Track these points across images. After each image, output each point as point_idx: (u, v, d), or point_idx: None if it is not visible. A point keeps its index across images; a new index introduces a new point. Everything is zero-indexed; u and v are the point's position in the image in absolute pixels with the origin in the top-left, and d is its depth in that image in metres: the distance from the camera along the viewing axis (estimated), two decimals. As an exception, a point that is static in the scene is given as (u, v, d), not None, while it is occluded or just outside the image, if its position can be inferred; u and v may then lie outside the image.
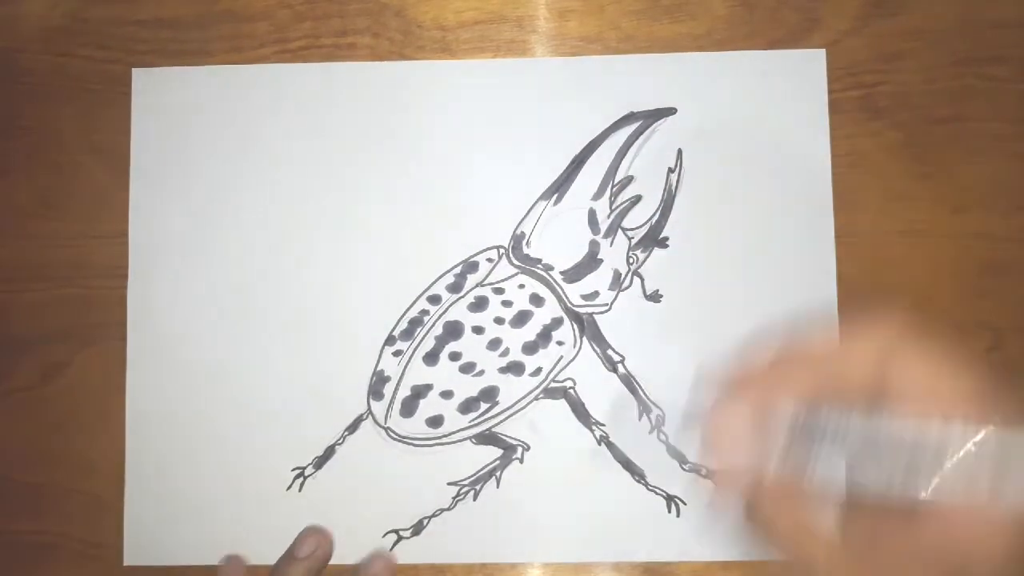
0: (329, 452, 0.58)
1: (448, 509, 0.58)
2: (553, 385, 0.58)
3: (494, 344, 0.58)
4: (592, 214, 0.59)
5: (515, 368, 0.58)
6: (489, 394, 0.58)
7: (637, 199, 0.59)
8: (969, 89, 0.60)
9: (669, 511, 0.57)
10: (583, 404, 0.58)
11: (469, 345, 0.59)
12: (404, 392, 0.58)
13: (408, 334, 0.59)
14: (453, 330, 0.59)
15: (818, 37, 0.60)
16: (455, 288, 0.59)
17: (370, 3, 0.61)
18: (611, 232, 0.59)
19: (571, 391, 0.58)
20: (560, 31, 0.61)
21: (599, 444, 0.58)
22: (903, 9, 0.60)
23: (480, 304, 0.59)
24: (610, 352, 0.58)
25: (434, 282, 0.59)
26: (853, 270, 0.58)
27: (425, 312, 0.59)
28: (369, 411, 0.59)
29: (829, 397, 0.37)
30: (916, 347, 0.35)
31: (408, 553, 0.58)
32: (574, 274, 0.59)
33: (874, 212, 0.59)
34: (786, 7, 0.60)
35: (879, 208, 0.59)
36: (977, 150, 0.59)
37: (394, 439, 0.58)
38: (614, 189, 0.59)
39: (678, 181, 0.59)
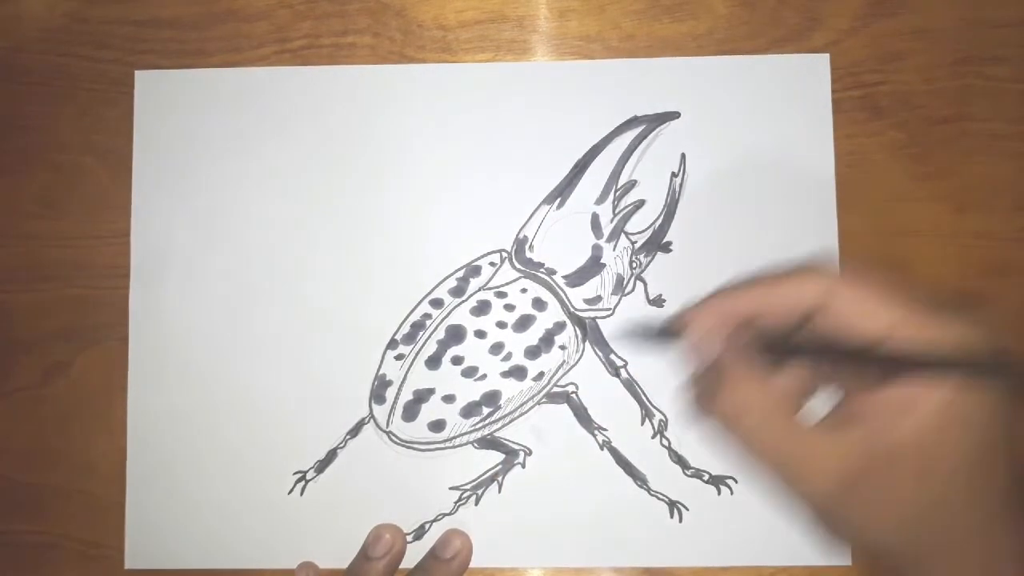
0: (331, 456, 0.58)
1: (450, 513, 0.58)
2: (555, 390, 0.58)
3: (496, 348, 0.58)
4: (595, 218, 0.59)
5: (517, 372, 0.58)
6: (491, 398, 0.58)
7: (640, 203, 0.59)
8: (970, 89, 0.60)
9: (671, 516, 0.57)
10: (585, 409, 0.58)
11: (471, 349, 0.59)
12: (406, 396, 0.58)
13: (410, 338, 0.59)
14: (455, 334, 0.59)
15: (819, 37, 0.60)
16: (457, 292, 0.59)
17: (370, 3, 0.61)
18: (614, 236, 0.59)
19: (573, 396, 0.58)
20: (560, 31, 0.61)
21: (601, 449, 0.58)
22: (903, 9, 0.60)
23: (482, 308, 0.59)
24: (613, 357, 0.58)
25: (436, 286, 0.59)
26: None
27: (427, 316, 0.59)
28: (371, 415, 0.59)
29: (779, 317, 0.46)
30: (854, 283, 0.44)
31: (410, 557, 0.58)
32: (577, 278, 0.59)
33: (875, 212, 0.59)
34: (787, 7, 0.60)
35: (880, 208, 0.59)
36: (978, 150, 0.59)
37: (396, 443, 0.58)
38: (617, 193, 0.59)
39: (681, 185, 0.59)
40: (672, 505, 0.57)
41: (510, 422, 0.58)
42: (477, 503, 0.58)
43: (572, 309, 0.59)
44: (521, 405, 0.58)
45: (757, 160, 0.59)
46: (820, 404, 0.47)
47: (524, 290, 0.59)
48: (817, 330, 0.45)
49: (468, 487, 0.58)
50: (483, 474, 0.58)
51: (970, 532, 0.43)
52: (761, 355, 0.46)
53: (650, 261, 0.59)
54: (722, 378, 0.46)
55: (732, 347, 0.46)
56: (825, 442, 0.43)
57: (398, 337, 0.59)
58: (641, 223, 0.59)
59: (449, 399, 0.58)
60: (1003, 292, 0.58)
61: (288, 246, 0.60)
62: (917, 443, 0.42)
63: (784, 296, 0.45)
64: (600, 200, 0.59)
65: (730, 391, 0.45)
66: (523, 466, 0.58)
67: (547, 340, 0.58)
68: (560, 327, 0.58)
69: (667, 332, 0.52)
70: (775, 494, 0.45)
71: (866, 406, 0.43)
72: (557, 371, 0.58)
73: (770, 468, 0.45)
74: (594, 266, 0.59)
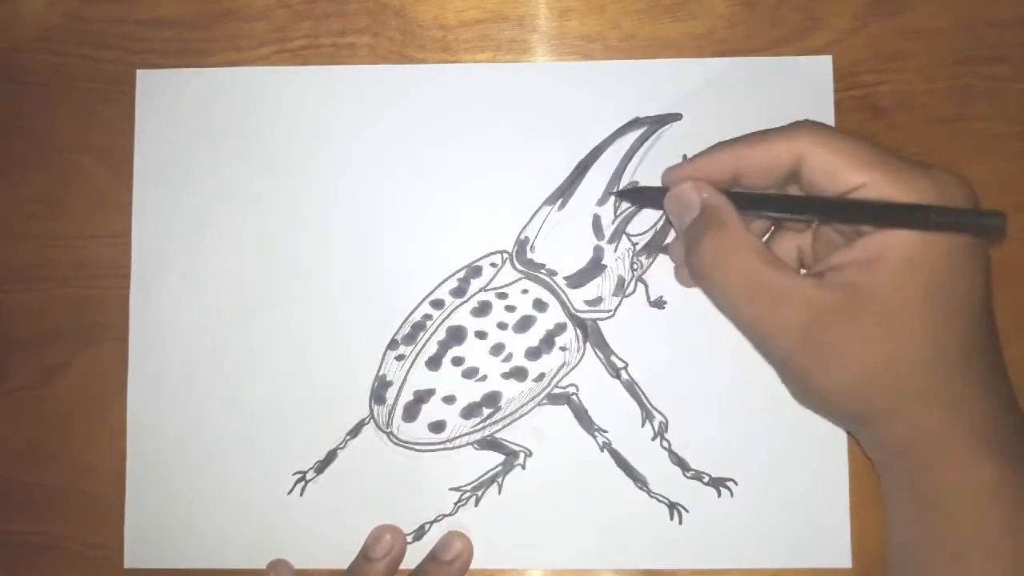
0: (331, 456, 0.58)
1: (450, 515, 0.58)
2: (556, 391, 0.58)
3: (497, 349, 0.58)
4: (596, 220, 0.59)
5: (518, 373, 0.58)
6: (492, 399, 0.58)
7: (641, 205, 0.59)
8: (970, 89, 0.60)
9: (671, 518, 0.57)
10: (586, 410, 0.58)
11: (472, 350, 0.58)
12: (406, 397, 0.58)
13: (411, 338, 0.59)
14: (456, 335, 0.59)
15: (819, 37, 0.60)
16: (458, 293, 0.59)
17: (370, 2, 0.61)
18: (615, 238, 0.59)
19: (574, 397, 0.58)
20: (561, 30, 0.61)
21: (601, 451, 0.57)
22: (904, 9, 0.60)
23: (483, 309, 0.59)
24: (613, 358, 0.58)
25: (437, 286, 0.59)
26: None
27: (428, 316, 0.59)
28: (371, 415, 0.59)
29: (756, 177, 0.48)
30: (826, 143, 0.46)
31: (410, 558, 0.58)
32: (578, 280, 0.58)
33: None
34: (787, 7, 0.60)
35: (879, 208, 0.59)
36: (978, 150, 0.59)
37: (396, 444, 0.58)
38: (618, 194, 0.59)
39: (683, 187, 0.59)
40: (672, 507, 0.57)
41: (510, 423, 0.58)
42: (477, 504, 0.58)
43: (573, 310, 0.58)
44: (522, 406, 0.58)
45: (758, 161, 0.59)
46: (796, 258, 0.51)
47: (525, 291, 0.59)
48: (795, 187, 0.48)
49: (468, 488, 0.58)
50: (483, 475, 0.58)
51: (928, 393, 0.44)
52: (741, 209, 0.48)
53: (651, 263, 0.59)
54: (704, 228, 0.48)
55: (714, 200, 0.48)
56: (796, 288, 0.45)
57: (398, 337, 0.59)
58: (642, 225, 0.59)
59: (449, 400, 0.58)
60: (1003, 292, 0.58)
61: (288, 246, 0.60)
62: (882, 292, 0.44)
63: (763, 154, 0.47)
64: (602, 201, 0.59)
65: (711, 239, 0.47)
66: (523, 467, 0.58)
67: (548, 341, 0.58)
68: (561, 328, 0.58)
69: (652, 190, 0.54)
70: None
71: (837, 257, 0.46)
72: (558, 372, 0.58)
73: (744, 316, 0.47)
74: (595, 268, 0.59)
